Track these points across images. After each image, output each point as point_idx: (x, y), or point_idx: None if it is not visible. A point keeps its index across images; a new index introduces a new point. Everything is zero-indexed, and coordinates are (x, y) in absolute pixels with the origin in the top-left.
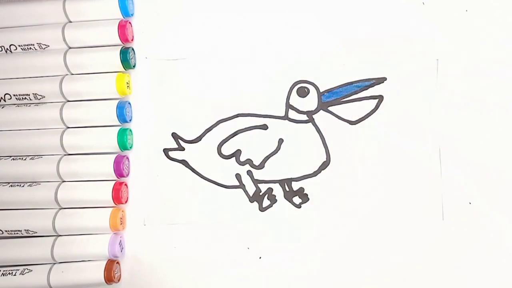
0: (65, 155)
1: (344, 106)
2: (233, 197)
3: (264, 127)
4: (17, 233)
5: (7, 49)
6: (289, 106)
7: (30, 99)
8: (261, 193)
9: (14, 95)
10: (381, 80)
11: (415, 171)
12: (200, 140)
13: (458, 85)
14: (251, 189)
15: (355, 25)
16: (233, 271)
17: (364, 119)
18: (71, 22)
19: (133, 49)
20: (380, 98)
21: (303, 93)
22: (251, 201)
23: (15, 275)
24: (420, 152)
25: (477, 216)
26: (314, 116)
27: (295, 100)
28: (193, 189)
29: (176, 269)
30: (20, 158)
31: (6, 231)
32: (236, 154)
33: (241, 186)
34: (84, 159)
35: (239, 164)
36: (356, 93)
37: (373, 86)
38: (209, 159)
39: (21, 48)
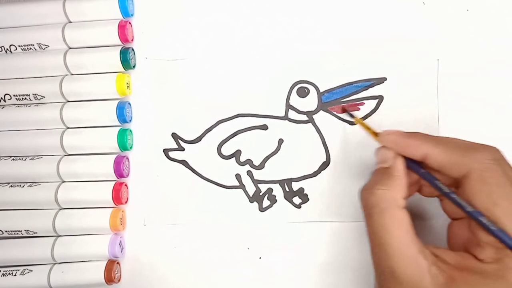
0: (65, 155)
1: None
2: (233, 197)
3: (264, 127)
4: (17, 234)
5: (7, 49)
6: (289, 106)
7: (30, 99)
8: (261, 193)
9: (14, 95)
10: (381, 80)
11: None
12: (200, 140)
13: (459, 85)
14: (251, 189)
15: (355, 25)
16: (233, 271)
17: (364, 119)
18: (71, 22)
19: (133, 49)
20: (380, 98)
21: (303, 93)
22: (251, 201)
23: (15, 275)
24: None
25: None
26: (314, 116)
27: (295, 100)
28: (193, 189)
29: (176, 269)
30: (20, 158)
31: (6, 231)
32: (236, 154)
33: (241, 186)
34: (84, 160)
35: (239, 165)
36: (356, 93)
37: (373, 86)
38: (209, 159)
39: (21, 48)
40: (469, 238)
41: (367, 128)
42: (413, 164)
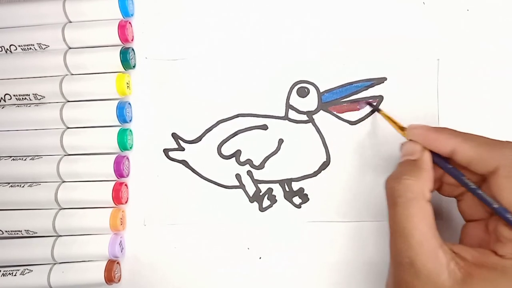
0: (65, 155)
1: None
2: (233, 197)
3: (264, 127)
4: (17, 234)
5: (7, 49)
6: (289, 106)
7: (30, 99)
8: (261, 193)
9: (14, 95)
10: (381, 80)
11: None
12: (200, 140)
13: (459, 85)
14: (251, 189)
15: (355, 25)
16: (233, 271)
17: (364, 119)
18: (71, 22)
19: (133, 49)
20: (380, 98)
21: (303, 93)
22: (251, 201)
23: (15, 275)
24: None
25: None
26: (314, 116)
27: (295, 100)
28: (193, 189)
29: (176, 269)
30: (20, 158)
31: (6, 231)
32: (236, 154)
33: (241, 186)
34: (84, 160)
35: (239, 164)
36: (356, 93)
37: (373, 86)
38: (209, 159)
39: (21, 48)
40: (484, 239)
41: (393, 122)
42: (439, 159)
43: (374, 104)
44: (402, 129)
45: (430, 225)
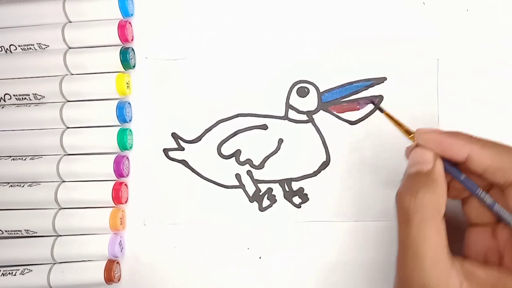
0: (65, 155)
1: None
2: (233, 197)
3: (264, 127)
4: (17, 233)
5: (7, 49)
6: (289, 106)
7: (30, 99)
8: (261, 193)
9: (14, 95)
10: (381, 80)
11: None
12: (200, 140)
13: (459, 85)
14: (251, 189)
15: (355, 25)
16: (233, 271)
17: (364, 119)
18: (71, 22)
19: (133, 49)
20: (380, 98)
21: (303, 93)
22: (251, 201)
23: (15, 275)
24: None
25: None
26: (314, 116)
27: (295, 100)
28: (193, 189)
29: (176, 269)
30: (20, 158)
31: (6, 231)
32: (236, 154)
33: (241, 186)
34: (84, 159)
35: (239, 164)
36: (356, 93)
37: (373, 86)
38: (209, 159)
39: (21, 48)
40: (491, 246)
41: (399, 125)
42: (452, 168)
43: (377, 103)
44: (408, 132)
45: (443, 245)
